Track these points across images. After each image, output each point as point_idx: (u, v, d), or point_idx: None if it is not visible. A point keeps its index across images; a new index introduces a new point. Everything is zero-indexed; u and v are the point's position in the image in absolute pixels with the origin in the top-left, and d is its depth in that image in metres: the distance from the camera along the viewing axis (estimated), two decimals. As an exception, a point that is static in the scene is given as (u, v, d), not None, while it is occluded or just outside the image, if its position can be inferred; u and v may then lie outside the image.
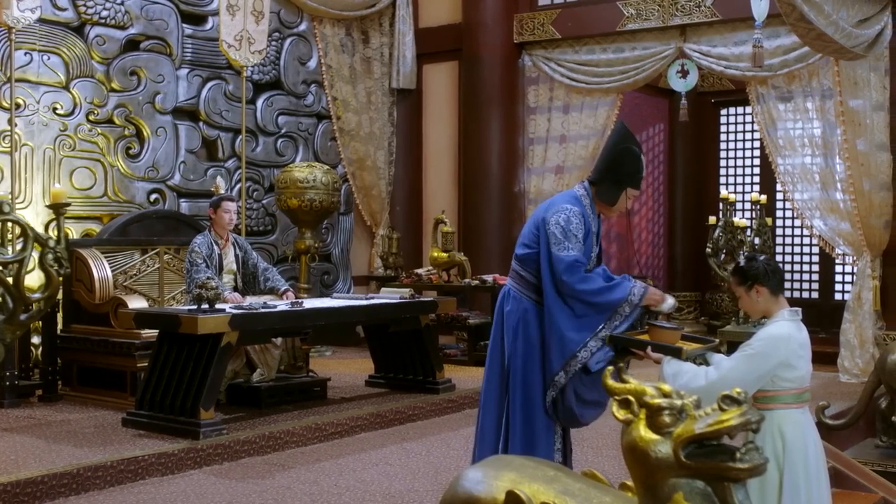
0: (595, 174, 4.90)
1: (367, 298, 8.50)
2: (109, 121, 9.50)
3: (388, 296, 8.49)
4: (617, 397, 2.97)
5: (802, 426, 4.00)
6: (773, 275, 4.07)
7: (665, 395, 2.90)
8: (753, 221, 8.91)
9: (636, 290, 4.59)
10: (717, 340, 4.79)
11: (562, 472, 3.11)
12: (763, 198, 8.85)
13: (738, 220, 8.88)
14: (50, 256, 3.78)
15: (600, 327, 4.57)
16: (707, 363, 4.22)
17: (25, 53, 8.78)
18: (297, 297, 7.99)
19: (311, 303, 7.99)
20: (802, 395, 4.02)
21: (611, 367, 3.05)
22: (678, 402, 2.87)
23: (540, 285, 4.69)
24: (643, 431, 2.87)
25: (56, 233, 3.87)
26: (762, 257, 4.17)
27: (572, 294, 4.58)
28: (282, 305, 7.31)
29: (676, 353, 4.26)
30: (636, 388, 2.95)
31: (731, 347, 8.64)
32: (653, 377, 3.38)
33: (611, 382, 3.01)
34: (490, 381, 4.89)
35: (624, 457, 2.98)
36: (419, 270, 10.72)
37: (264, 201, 10.95)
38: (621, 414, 2.94)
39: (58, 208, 4.02)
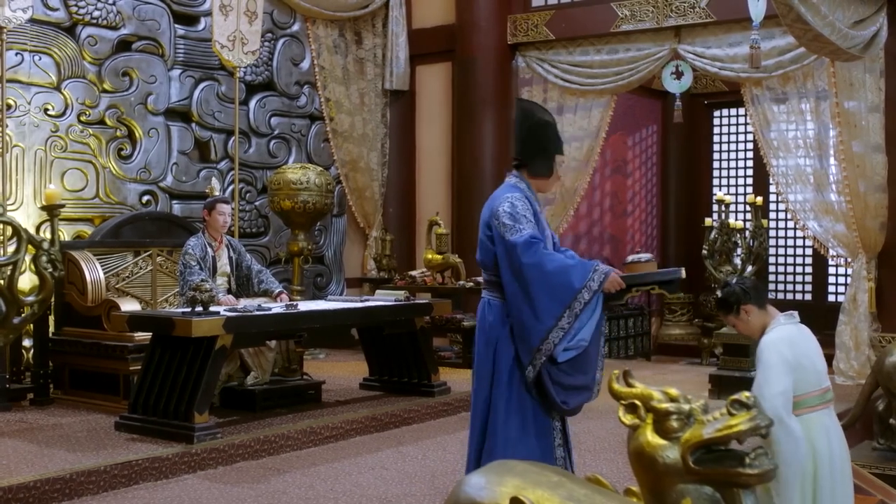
0: (522, 156, 4.80)
1: (361, 301, 8.45)
2: (101, 122, 9.43)
3: (382, 298, 8.44)
4: (623, 402, 2.93)
5: (828, 429, 3.98)
6: (753, 290, 4.11)
7: (672, 399, 2.87)
8: (748, 223, 8.88)
9: (596, 277, 4.50)
10: (682, 269, 4.81)
11: (566, 478, 3.07)
12: (759, 199, 8.82)
13: (734, 221, 8.85)
14: (44, 258, 3.73)
15: (562, 315, 4.48)
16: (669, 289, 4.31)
17: (16, 54, 8.71)
18: (290, 300, 7.93)
19: (305, 305, 7.93)
20: (825, 394, 4.02)
21: (616, 371, 3.01)
22: (686, 407, 2.84)
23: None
24: (650, 437, 2.84)
25: (50, 235, 3.81)
26: (734, 280, 4.19)
27: (537, 273, 4.49)
28: (276, 308, 7.25)
29: (677, 274, 4.30)
30: (643, 393, 2.91)
31: (727, 350, 8.63)
32: (657, 381, 3.32)
33: (617, 387, 2.97)
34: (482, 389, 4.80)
35: (630, 462, 2.94)
36: (413, 272, 10.67)
37: (257, 203, 10.89)
38: (628, 419, 2.90)
39: (52, 210, 3.96)
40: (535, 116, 4.86)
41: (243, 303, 7.38)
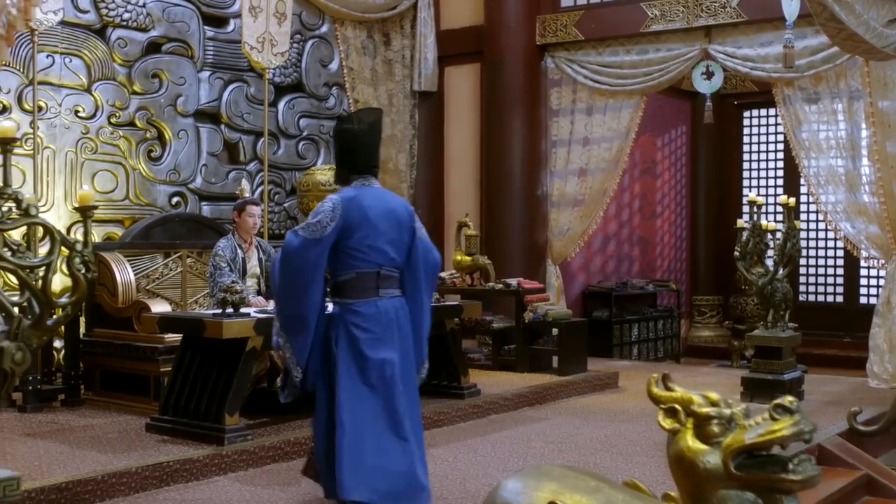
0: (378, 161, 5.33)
1: (390, 302, 8.41)
2: (131, 123, 9.46)
3: (412, 300, 8.39)
4: (663, 406, 2.89)
5: None
6: None
7: (713, 403, 2.82)
8: (780, 224, 8.80)
9: None
10: None
11: (604, 483, 3.03)
12: (792, 201, 8.73)
13: (767, 223, 8.76)
14: (77, 260, 3.71)
15: None
16: None
17: (47, 56, 8.75)
18: (320, 301, 7.89)
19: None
20: None
21: (655, 375, 2.97)
22: (727, 412, 2.79)
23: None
24: (691, 441, 2.79)
25: (83, 236, 3.80)
26: None
27: None
28: (306, 309, 7.22)
29: None
30: (683, 397, 2.87)
31: (759, 353, 8.55)
32: (688, 384, 3.27)
33: (656, 390, 2.93)
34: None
35: (670, 467, 2.89)
36: (442, 274, 10.62)
37: (286, 204, 10.90)
38: (668, 423, 2.85)
39: (85, 211, 3.95)
40: (377, 121, 5.32)
41: (270, 304, 7.36)
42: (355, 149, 5.16)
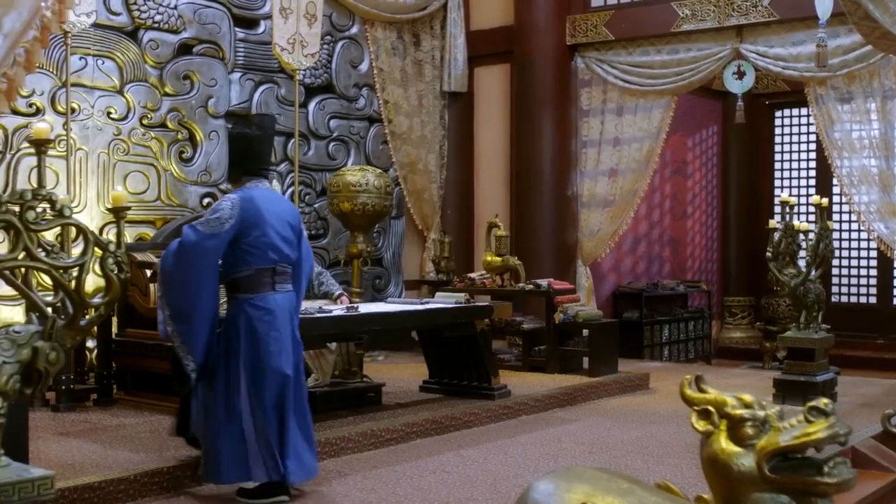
0: (269, 163, 6.04)
1: (422, 303, 8.42)
2: (163, 125, 9.52)
3: (443, 300, 8.41)
4: (696, 408, 2.87)
5: None
6: None
7: (747, 405, 2.80)
8: (814, 225, 8.73)
9: None
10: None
11: (636, 485, 3.00)
12: (825, 201, 8.65)
13: (799, 223, 8.68)
14: (110, 260, 3.73)
15: None
16: None
17: (80, 58, 8.82)
18: (350, 302, 7.92)
19: (366, 307, 7.91)
20: None
21: (688, 376, 2.95)
22: (761, 414, 2.77)
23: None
24: (724, 443, 2.77)
25: (116, 237, 3.82)
26: None
27: None
28: (337, 310, 7.23)
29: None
30: (716, 399, 2.84)
31: (791, 354, 8.48)
32: (720, 385, 3.24)
33: (689, 392, 2.90)
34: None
35: (703, 469, 2.87)
36: (472, 275, 10.63)
37: (316, 205, 10.92)
38: (701, 425, 2.83)
39: (118, 212, 3.97)
40: (271, 126, 6.02)
41: (304, 305, 7.37)
42: (248, 152, 5.64)
